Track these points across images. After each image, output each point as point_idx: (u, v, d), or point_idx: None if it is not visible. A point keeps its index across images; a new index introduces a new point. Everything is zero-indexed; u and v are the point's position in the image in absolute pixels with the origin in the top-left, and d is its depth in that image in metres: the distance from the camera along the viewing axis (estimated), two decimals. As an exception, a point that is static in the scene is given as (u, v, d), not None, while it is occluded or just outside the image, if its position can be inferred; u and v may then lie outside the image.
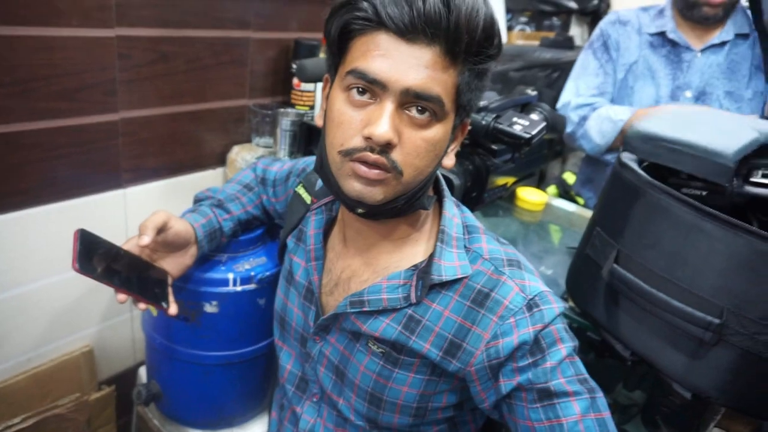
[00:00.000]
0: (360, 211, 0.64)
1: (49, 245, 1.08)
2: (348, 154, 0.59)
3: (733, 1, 1.35)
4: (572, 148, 2.05)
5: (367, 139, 0.57)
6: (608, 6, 2.04)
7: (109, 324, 1.27)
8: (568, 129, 1.49)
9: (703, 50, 1.39)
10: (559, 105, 1.54)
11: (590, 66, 1.51)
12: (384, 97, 0.57)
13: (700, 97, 1.40)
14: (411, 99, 0.57)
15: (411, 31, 0.55)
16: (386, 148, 0.57)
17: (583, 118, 1.45)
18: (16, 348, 1.11)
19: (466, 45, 0.56)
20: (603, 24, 1.51)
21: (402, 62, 0.56)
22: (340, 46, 0.61)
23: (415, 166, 0.60)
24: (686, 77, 1.40)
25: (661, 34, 1.43)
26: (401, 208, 0.64)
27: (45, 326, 1.15)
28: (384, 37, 0.56)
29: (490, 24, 0.57)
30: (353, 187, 0.60)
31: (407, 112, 0.58)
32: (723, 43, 1.38)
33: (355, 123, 0.58)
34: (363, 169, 0.58)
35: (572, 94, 1.52)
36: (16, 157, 0.98)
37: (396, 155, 0.58)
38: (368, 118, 0.58)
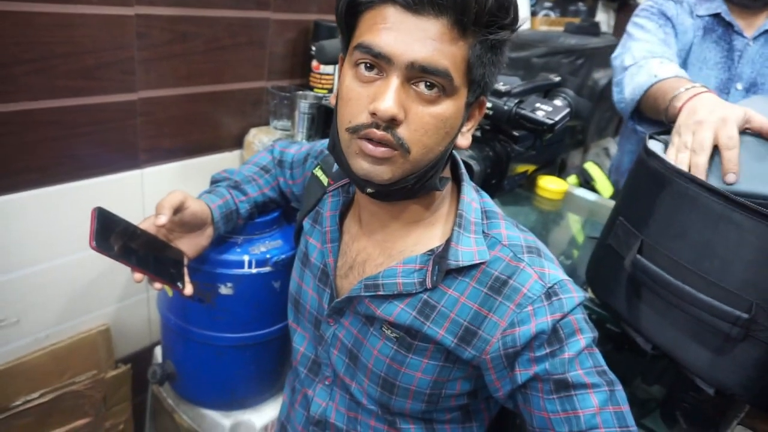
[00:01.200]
0: (369, 190, 0.62)
1: (68, 224, 1.09)
2: (355, 131, 0.58)
3: None
4: (596, 136, 2.01)
5: (373, 114, 0.56)
6: (636, -9, 1.98)
7: (126, 304, 1.28)
8: (614, 62, 1.26)
9: (755, 38, 1.26)
10: (612, 56, 1.30)
11: (646, 26, 1.27)
12: (390, 72, 0.56)
13: (751, 89, 1.27)
14: (417, 73, 0.55)
15: (417, 2, 0.53)
16: (392, 124, 0.56)
17: (624, 70, 1.20)
18: (35, 325, 1.12)
19: (476, 15, 0.54)
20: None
21: (408, 35, 0.54)
22: (348, 21, 0.59)
23: (423, 144, 0.58)
24: (738, 68, 1.26)
25: (716, 16, 1.26)
26: (412, 188, 0.62)
27: (63, 304, 1.16)
28: (391, 10, 0.55)
29: None
30: (361, 165, 0.59)
31: (414, 87, 0.56)
32: None
33: (362, 99, 0.57)
34: (369, 147, 0.57)
35: (624, 49, 1.26)
36: (35, 134, 0.98)
37: (402, 132, 0.57)
38: (375, 94, 0.56)
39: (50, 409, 1.15)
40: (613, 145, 2.18)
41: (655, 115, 1.05)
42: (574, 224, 1.32)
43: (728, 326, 0.65)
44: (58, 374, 1.17)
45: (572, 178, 1.92)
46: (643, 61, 1.16)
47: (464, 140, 0.65)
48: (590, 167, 2.00)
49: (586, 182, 1.96)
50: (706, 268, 0.67)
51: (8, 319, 1.07)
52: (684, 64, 1.29)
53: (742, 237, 0.64)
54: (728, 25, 1.26)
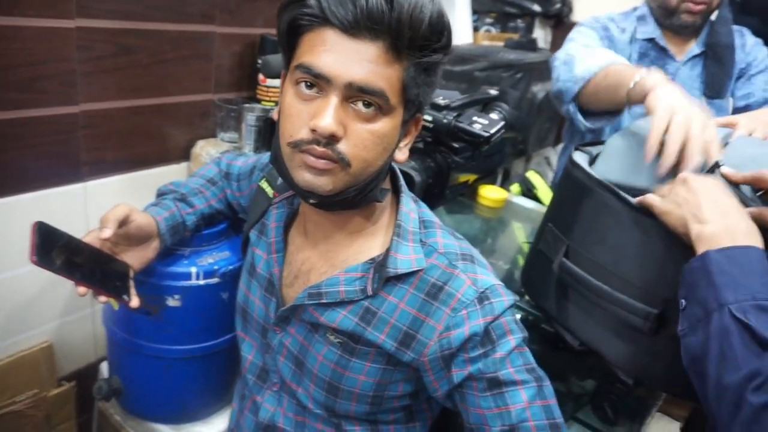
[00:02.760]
0: (312, 201, 0.65)
1: (9, 238, 1.06)
2: (296, 145, 0.61)
3: (710, 9, 1.28)
4: (537, 146, 2.10)
5: (313, 131, 0.59)
6: (570, 10, 2.10)
7: (69, 319, 1.25)
8: (553, 72, 1.26)
9: (685, 62, 1.34)
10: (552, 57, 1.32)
11: (589, 35, 1.31)
12: (329, 91, 0.59)
13: None
14: (355, 93, 0.59)
15: (354, 27, 0.56)
16: (331, 140, 0.59)
17: (576, 52, 1.20)
18: (-28, 344, 1.09)
19: (410, 40, 0.58)
20: (599, 18, 1.37)
21: (346, 57, 0.57)
22: (289, 41, 0.62)
23: (362, 158, 0.62)
24: None
25: (651, 41, 1.34)
26: (353, 199, 0.65)
27: (2, 321, 1.13)
28: (330, 33, 0.58)
29: (437, 20, 0.59)
30: (303, 177, 0.62)
31: (353, 105, 0.60)
32: (701, 53, 1.33)
33: (303, 115, 0.60)
34: (311, 159, 0.60)
35: (567, 46, 1.29)
36: (-29, 148, 0.96)
37: (342, 147, 0.60)
38: (315, 111, 0.59)
39: (-11, 430, 1.12)
40: (553, 155, 2.28)
41: (600, 100, 1.07)
42: (515, 231, 1.39)
43: (641, 321, 0.71)
44: (-3, 394, 1.13)
45: (515, 187, 2.00)
46: (597, 50, 1.18)
47: (401, 155, 0.69)
48: (532, 176, 2.08)
49: (528, 190, 2.05)
50: (623, 269, 0.74)
51: (-58, 339, 1.04)
52: None
53: (649, 239, 0.71)
54: (662, 50, 1.34)
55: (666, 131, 0.75)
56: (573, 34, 1.35)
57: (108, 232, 0.77)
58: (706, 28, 1.34)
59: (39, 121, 1.04)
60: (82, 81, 1.08)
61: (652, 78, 0.89)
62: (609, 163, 0.82)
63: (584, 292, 0.78)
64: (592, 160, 0.89)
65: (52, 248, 0.71)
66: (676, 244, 0.68)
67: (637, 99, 0.91)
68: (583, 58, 1.15)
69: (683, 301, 0.63)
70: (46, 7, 0.97)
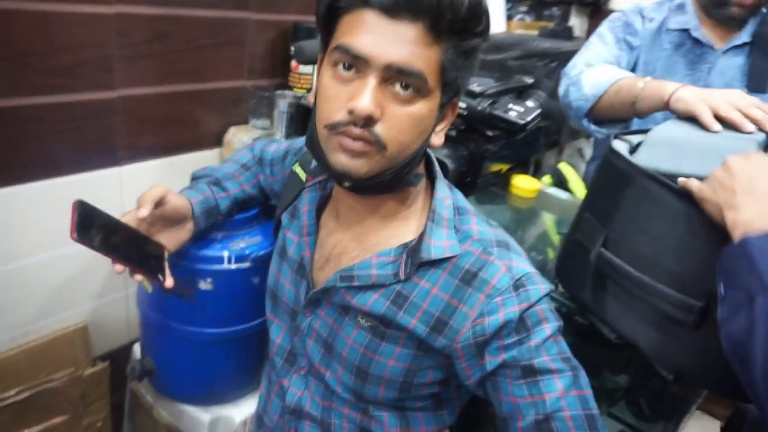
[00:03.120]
0: (347, 184, 0.65)
1: (46, 221, 1.09)
2: (333, 127, 0.60)
3: (761, 3, 1.24)
4: (570, 137, 2.06)
5: (350, 112, 0.58)
6: (608, -3, 2.04)
7: (104, 301, 1.28)
8: (562, 88, 1.31)
9: (725, 51, 1.29)
10: (565, 68, 1.35)
11: (606, 37, 1.35)
12: (367, 73, 0.58)
13: None
14: (394, 74, 0.58)
15: (394, 8, 0.56)
16: (368, 122, 0.59)
17: (580, 73, 1.27)
18: (13, 322, 1.12)
19: (450, 22, 0.57)
20: (626, 10, 1.37)
21: (385, 38, 0.57)
22: (328, 23, 0.62)
23: (399, 141, 0.61)
24: (707, 79, 1.30)
25: (684, 32, 1.30)
26: (388, 183, 0.65)
27: (41, 301, 1.16)
28: (369, 14, 0.57)
29: (476, 3, 0.58)
30: (338, 160, 0.61)
31: (391, 87, 0.59)
32: (744, 44, 1.28)
33: (340, 97, 0.60)
34: (348, 142, 0.60)
35: (580, 58, 1.34)
36: (13, 131, 0.99)
37: (379, 129, 0.59)
38: (352, 93, 0.59)
39: (27, 406, 1.15)
40: (586, 146, 2.23)
41: (616, 111, 1.11)
42: (546, 222, 1.36)
43: (684, 314, 0.69)
44: (35, 372, 1.16)
45: (546, 178, 1.97)
46: (600, 68, 1.23)
47: (437, 139, 0.68)
48: (564, 168, 2.04)
49: (560, 182, 2.01)
50: (665, 260, 0.71)
51: (-16, 317, 1.07)
52: (647, 74, 1.28)
53: (695, 230, 0.68)
54: (697, 41, 1.30)
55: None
56: (592, 38, 1.39)
57: (145, 212, 0.78)
58: (756, 19, 1.29)
59: (77, 105, 1.06)
60: (119, 66, 1.09)
61: (663, 84, 0.94)
62: (654, 151, 0.79)
63: (623, 283, 0.75)
64: (633, 149, 0.86)
65: (91, 226, 0.73)
66: (721, 233, 0.65)
67: (654, 106, 0.95)
68: (590, 78, 1.21)
69: (722, 288, 0.61)
70: (86, -7, 0.99)
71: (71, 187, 1.11)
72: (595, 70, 1.23)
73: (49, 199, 1.08)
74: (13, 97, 0.96)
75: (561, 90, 1.32)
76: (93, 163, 1.14)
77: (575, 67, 1.30)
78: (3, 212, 1.03)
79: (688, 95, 0.87)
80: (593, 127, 1.24)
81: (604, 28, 1.38)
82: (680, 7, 1.33)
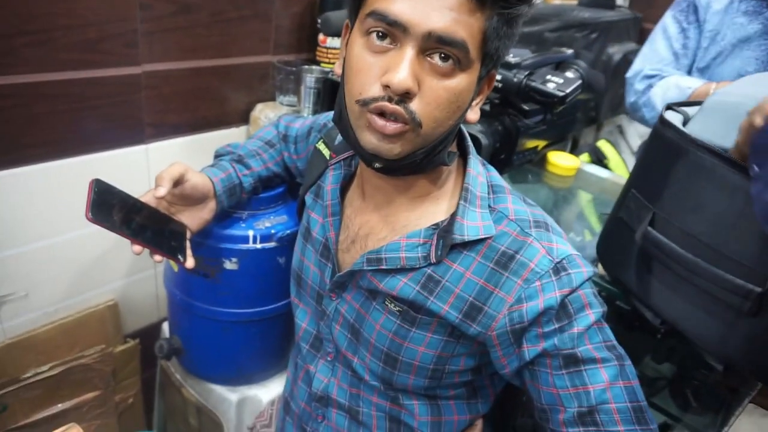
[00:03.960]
0: (377, 165, 0.61)
1: (74, 198, 1.08)
2: (366, 104, 0.56)
3: None
4: (610, 113, 1.97)
5: (386, 87, 0.54)
6: (654, -38, 1.92)
7: (133, 279, 1.29)
8: (631, 98, 1.32)
9: None
10: (629, 74, 1.35)
11: (670, 30, 1.30)
12: (405, 42, 0.54)
13: None
14: (434, 44, 0.53)
15: None
16: (405, 97, 0.54)
17: (649, 87, 1.28)
18: (44, 299, 1.13)
19: None
20: None
21: (425, 4, 0.52)
22: None
23: (435, 118, 0.56)
24: None
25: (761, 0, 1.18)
26: (420, 162, 0.60)
27: (72, 279, 1.17)
28: None
29: None
30: (369, 140, 0.57)
31: (429, 59, 0.55)
32: None
33: (374, 70, 0.55)
34: (379, 123, 0.55)
35: (644, 61, 1.32)
36: (40, 107, 0.98)
37: (415, 105, 0.55)
38: (387, 65, 0.54)
39: (60, 381, 1.17)
40: (627, 123, 2.13)
41: None
42: (585, 202, 1.30)
43: (740, 300, 0.63)
44: (68, 348, 1.18)
45: (584, 156, 1.89)
46: (662, 81, 1.24)
47: (473, 114, 0.63)
48: (603, 145, 1.96)
49: (599, 160, 1.92)
50: (720, 241, 0.65)
51: (17, 293, 1.08)
52: (719, 46, 1.23)
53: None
54: None
55: None
56: (655, 32, 1.32)
57: (163, 191, 0.75)
58: None
59: (103, 81, 1.04)
60: (143, 41, 1.07)
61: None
62: (708, 121, 0.72)
63: (671, 265, 0.70)
64: (686, 122, 0.79)
65: (109, 205, 0.71)
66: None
67: None
68: (660, 93, 1.22)
69: (755, 168, 0.57)
70: (107, -35, 0.96)
71: (99, 165, 1.10)
72: (663, 86, 1.23)
73: (77, 177, 1.08)
74: (38, 72, 0.95)
75: (629, 101, 1.32)
76: (120, 141, 1.13)
77: (639, 74, 1.29)
78: (33, 190, 1.03)
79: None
80: None
81: (668, 18, 1.31)
82: None
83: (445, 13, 0.52)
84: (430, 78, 0.55)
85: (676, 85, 1.21)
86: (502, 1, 0.54)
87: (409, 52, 0.53)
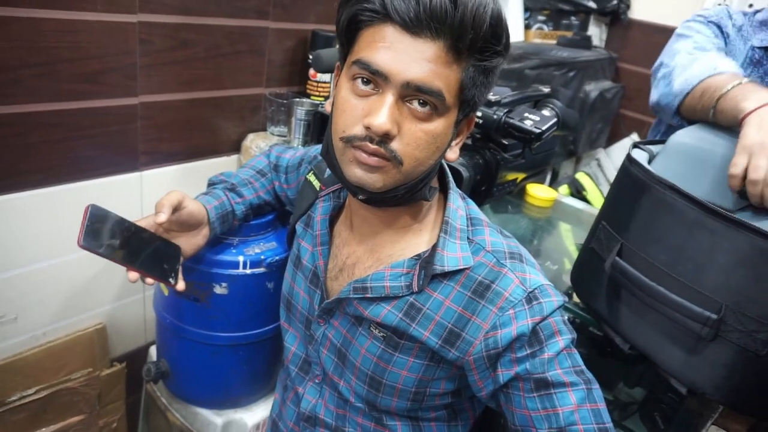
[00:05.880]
0: (361, 197, 0.65)
1: (67, 223, 1.11)
2: (349, 141, 0.60)
3: None
4: (588, 147, 2.04)
5: (367, 128, 0.58)
6: (628, 6, 2.02)
7: (122, 303, 1.30)
8: (656, 71, 1.11)
9: None
10: (654, 66, 1.13)
11: (693, 27, 1.12)
12: (386, 89, 0.58)
13: None
14: (412, 92, 0.58)
15: (416, 25, 0.55)
16: (385, 138, 0.59)
17: (676, 60, 1.05)
18: (33, 322, 1.15)
19: (471, 41, 0.57)
20: (716, 11, 1.13)
21: (405, 55, 0.57)
22: (348, 36, 0.62)
23: (415, 157, 0.61)
24: None
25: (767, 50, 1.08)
26: (402, 197, 0.65)
27: (60, 302, 1.18)
28: (390, 29, 0.57)
29: (497, 21, 0.58)
30: (354, 173, 0.62)
31: (409, 104, 0.59)
32: None
33: (357, 111, 0.60)
34: (363, 156, 0.60)
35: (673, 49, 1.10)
36: (39, 135, 1.01)
37: (395, 145, 0.60)
38: (370, 108, 0.59)
39: (45, 405, 1.17)
40: (604, 156, 2.21)
41: (695, 114, 0.95)
42: (564, 232, 1.35)
43: (699, 326, 0.68)
44: (54, 371, 1.18)
45: (564, 188, 1.95)
46: (700, 53, 1.02)
47: (452, 154, 0.68)
48: (582, 177, 2.03)
49: (578, 192, 1.99)
50: (680, 270, 0.70)
51: (7, 316, 1.10)
52: None
53: (714, 242, 0.67)
54: None
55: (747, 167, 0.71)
56: (681, 30, 1.14)
57: (163, 217, 0.79)
58: None
59: (101, 111, 1.08)
60: (141, 73, 1.12)
61: (751, 98, 0.78)
62: (669, 161, 0.78)
63: (637, 292, 0.75)
64: (651, 159, 0.85)
65: (102, 231, 0.73)
66: (739, 245, 0.65)
67: (728, 116, 0.82)
68: (684, 68, 1.01)
69: None
70: (111, 3, 1.02)
71: (93, 191, 1.13)
72: (691, 59, 1.01)
73: (72, 202, 1.11)
74: (41, 102, 0.99)
75: (652, 83, 1.11)
76: (115, 168, 1.16)
77: (666, 60, 1.08)
78: (25, 215, 1.05)
79: (751, 133, 0.73)
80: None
81: (693, 23, 1.14)
82: (764, 24, 1.11)
83: (423, 65, 0.57)
84: (409, 122, 0.60)
85: (706, 61, 0.98)
86: (477, 54, 0.59)
87: (389, 98, 0.58)
